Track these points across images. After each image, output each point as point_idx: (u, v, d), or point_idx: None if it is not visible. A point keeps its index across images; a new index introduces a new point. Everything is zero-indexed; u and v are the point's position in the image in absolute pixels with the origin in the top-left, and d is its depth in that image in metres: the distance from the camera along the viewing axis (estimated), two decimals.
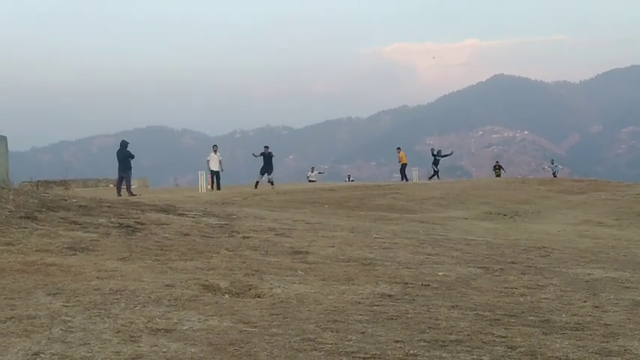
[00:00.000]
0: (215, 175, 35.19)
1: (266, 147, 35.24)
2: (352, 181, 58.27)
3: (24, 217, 10.64)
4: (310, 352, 5.08)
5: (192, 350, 4.95)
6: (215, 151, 35.68)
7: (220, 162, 35.51)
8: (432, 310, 6.65)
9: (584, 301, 7.47)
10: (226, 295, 6.88)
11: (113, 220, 11.74)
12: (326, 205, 25.05)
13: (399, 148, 46.41)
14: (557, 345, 5.58)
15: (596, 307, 7.21)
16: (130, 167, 31.39)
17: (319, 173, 55.53)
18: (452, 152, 52.14)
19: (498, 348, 5.42)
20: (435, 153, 48.17)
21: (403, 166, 44.95)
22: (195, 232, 11.56)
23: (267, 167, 34.93)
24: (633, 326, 6.37)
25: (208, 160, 35.61)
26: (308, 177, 53.91)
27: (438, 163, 47.46)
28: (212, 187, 34.55)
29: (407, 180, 43.90)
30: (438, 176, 46.78)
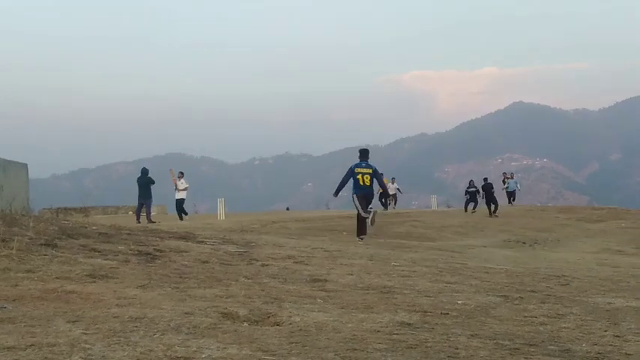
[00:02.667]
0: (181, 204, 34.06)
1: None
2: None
3: (44, 245, 10.70)
4: None
5: None
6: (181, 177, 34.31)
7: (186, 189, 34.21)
8: (451, 339, 6.61)
9: (605, 331, 7.42)
10: (245, 323, 6.87)
11: (132, 247, 11.79)
12: (344, 233, 25.05)
13: (381, 174, 44.75)
14: None
15: (617, 336, 7.16)
16: (151, 195, 31.62)
17: (398, 189, 47.98)
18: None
19: None
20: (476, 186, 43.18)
21: (382, 194, 43.54)
22: (214, 259, 11.57)
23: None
24: None
25: (177, 186, 34.04)
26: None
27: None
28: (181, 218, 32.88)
29: (386, 209, 42.59)
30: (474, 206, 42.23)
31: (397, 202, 47.20)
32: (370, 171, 20.05)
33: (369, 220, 19.90)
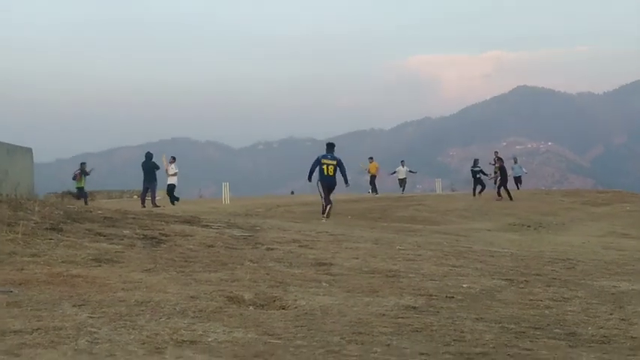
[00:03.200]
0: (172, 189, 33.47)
1: None
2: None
3: (49, 229, 10.71)
4: None
5: None
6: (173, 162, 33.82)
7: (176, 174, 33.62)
8: (456, 323, 6.62)
9: (611, 314, 7.42)
10: (251, 307, 6.88)
11: (138, 231, 11.80)
12: (349, 217, 25.07)
13: (371, 158, 43.95)
14: (584, 358, 5.54)
15: (623, 319, 7.16)
16: (156, 179, 31.62)
17: (410, 171, 46.07)
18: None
19: None
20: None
21: (372, 177, 42.94)
22: (220, 243, 11.58)
23: None
24: None
25: (168, 171, 33.40)
26: (396, 172, 46.20)
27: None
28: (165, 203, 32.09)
29: (376, 192, 41.93)
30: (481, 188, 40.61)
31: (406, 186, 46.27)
32: (334, 162, 22.35)
33: (327, 208, 22.37)
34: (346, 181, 22.71)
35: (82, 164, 35.72)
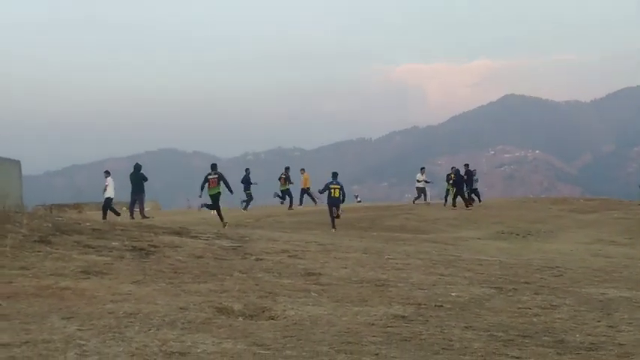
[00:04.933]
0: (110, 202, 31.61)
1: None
2: (359, 201, 56.03)
3: (38, 241, 10.70)
4: None
5: None
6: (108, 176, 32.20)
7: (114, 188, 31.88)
8: (445, 331, 6.64)
9: (598, 321, 7.46)
10: (240, 318, 6.89)
11: (127, 243, 11.79)
12: (333, 230, 25.06)
13: (302, 170, 42.06)
14: None
15: (610, 326, 7.20)
16: (144, 190, 31.41)
17: (427, 182, 42.48)
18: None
19: None
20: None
21: (303, 190, 40.90)
22: (209, 254, 11.58)
23: None
24: None
25: (106, 186, 31.59)
26: (416, 180, 42.72)
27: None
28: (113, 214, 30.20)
29: (315, 202, 40.00)
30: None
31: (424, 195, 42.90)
32: (338, 187, 27.65)
33: (335, 215, 27.07)
34: (342, 201, 27.76)
35: (287, 169, 38.69)
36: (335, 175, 28.70)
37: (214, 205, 27.11)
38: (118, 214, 30.15)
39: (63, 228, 12.54)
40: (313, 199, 40.00)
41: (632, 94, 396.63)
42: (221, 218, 26.03)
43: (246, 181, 37.46)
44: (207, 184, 26.99)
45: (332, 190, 27.93)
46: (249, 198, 37.00)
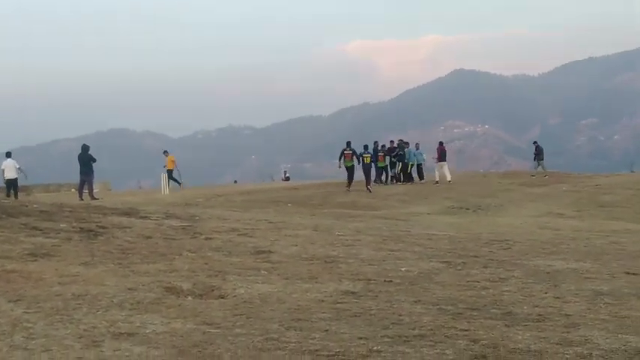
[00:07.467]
0: (13, 184, 31.71)
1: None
2: (288, 177, 55.68)
3: None
4: (274, 352, 5.09)
5: (156, 353, 4.94)
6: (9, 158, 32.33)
7: (19, 169, 32.07)
8: (395, 306, 6.69)
9: (546, 293, 7.55)
10: (189, 297, 6.87)
11: (75, 224, 11.66)
12: (289, 204, 25.11)
13: (165, 152, 40.71)
14: (519, 337, 5.65)
15: (557, 298, 7.30)
16: (92, 171, 31.08)
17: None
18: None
19: (461, 341, 5.48)
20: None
21: (169, 172, 39.77)
22: (158, 234, 11.51)
23: None
24: (594, 316, 6.46)
25: (3, 170, 31.58)
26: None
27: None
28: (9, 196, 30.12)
29: (179, 184, 39.04)
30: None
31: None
32: (369, 155, 34.44)
33: (370, 186, 33.27)
34: (358, 162, 33.42)
35: (372, 145, 38.13)
36: (365, 147, 35.12)
37: (349, 176, 33.73)
38: (8, 195, 29.52)
39: (10, 210, 12.39)
40: (177, 181, 38.40)
41: (580, 67, 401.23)
42: (349, 184, 33.23)
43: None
44: (343, 157, 33.79)
45: (364, 158, 33.93)
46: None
